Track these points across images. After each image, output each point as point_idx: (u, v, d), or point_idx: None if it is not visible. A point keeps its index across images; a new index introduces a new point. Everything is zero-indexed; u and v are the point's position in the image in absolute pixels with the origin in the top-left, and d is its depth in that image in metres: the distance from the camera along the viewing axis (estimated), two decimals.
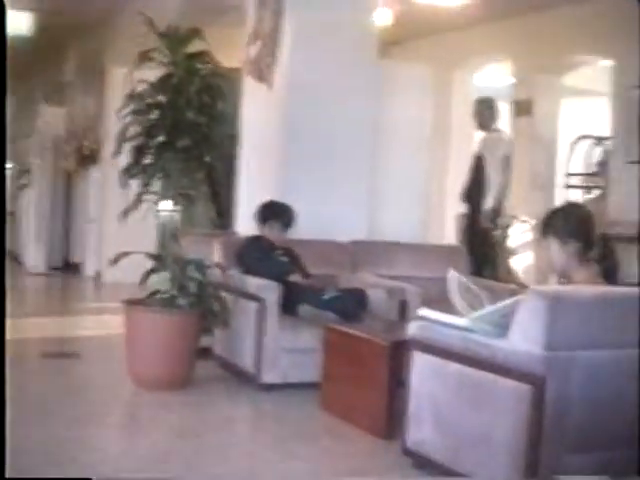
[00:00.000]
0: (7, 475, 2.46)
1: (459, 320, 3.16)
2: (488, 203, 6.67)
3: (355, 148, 5.87)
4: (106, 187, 9.31)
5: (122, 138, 4.67)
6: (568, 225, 3.24)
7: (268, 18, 5.89)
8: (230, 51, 6.26)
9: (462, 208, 7.10)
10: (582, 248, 3.21)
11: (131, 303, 4.73)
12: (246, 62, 6.13)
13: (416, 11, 7.58)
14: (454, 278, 3.30)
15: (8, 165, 13.29)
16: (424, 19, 8.21)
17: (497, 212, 6.90)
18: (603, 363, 2.89)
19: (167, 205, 4.78)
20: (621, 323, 2.89)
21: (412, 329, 3.43)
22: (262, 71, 5.92)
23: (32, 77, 14.45)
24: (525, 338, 2.88)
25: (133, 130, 4.71)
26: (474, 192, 6.78)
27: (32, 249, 10.40)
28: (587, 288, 3.10)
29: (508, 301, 3.07)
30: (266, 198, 5.39)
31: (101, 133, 9.75)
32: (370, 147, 5.97)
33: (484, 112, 6.94)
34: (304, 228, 5.39)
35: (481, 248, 6.18)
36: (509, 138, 7.14)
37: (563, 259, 3.23)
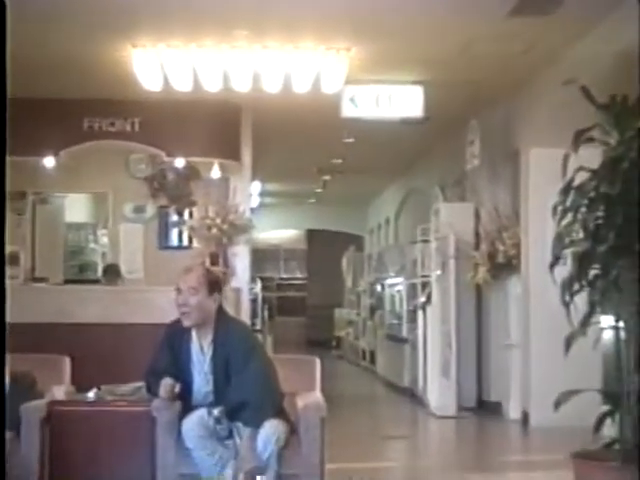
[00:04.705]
0: None
1: None
2: None
3: None
4: (530, 304, 9.80)
5: (561, 243, 5.02)
6: None
7: None
8: None
9: None
10: None
11: (582, 457, 4.96)
12: None
13: None
14: None
15: (399, 280, 14.44)
16: None
17: None
18: None
19: (618, 326, 4.98)
20: None
21: None
22: None
23: (424, 167, 15.69)
24: None
25: (573, 232, 5.04)
26: None
27: (436, 385, 11.08)
28: None
29: None
30: None
31: (520, 234, 10.27)
32: None
33: None
34: None
35: None
36: None
37: None
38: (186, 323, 5.73)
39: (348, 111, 10.19)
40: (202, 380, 5.80)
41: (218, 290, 5.84)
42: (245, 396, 5.62)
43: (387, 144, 13.90)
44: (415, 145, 14.40)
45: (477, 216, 11.73)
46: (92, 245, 13.30)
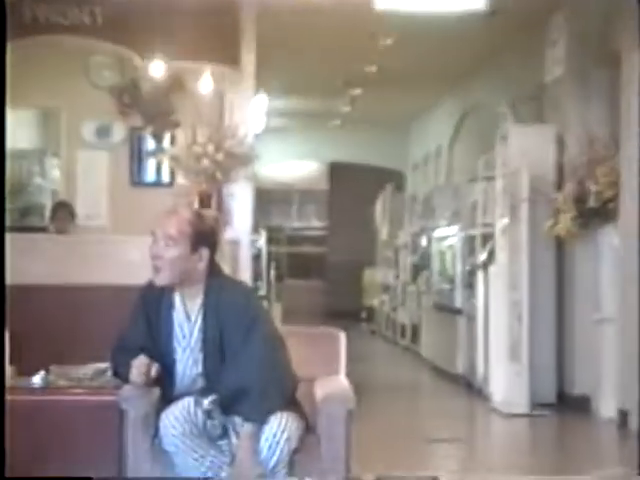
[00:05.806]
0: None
1: None
2: None
3: None
4: (630, 263, 9.81)
5: None
6: None
7: None
8: None
9: None
10: None
11: None
12: None
13: None
14: None
15: (452, 230, 14.47)
16: None
17: None
18: None
19: None
20: None
21: None
22: None
23: (488, 77, 15.64)
24: None
25: None
26: None
27: (502, 372, 11.13)
28: None
29: None
30: None
31: (620, 169, 10.21)
32: None
33: None
34: None
35: None
36: None
37: None
38: (156, 281, 5.70)
39: (384, 1, 10.14)
40: (188, 359, 5.80)
41: (208, 244, 5.77)
42: (245, 381, 5.61)
43: (437, 46, 13.88)
44: (476, 47, 14.34)
45: (560, 144, 11.66)
46: (38, 180, 13.27)
